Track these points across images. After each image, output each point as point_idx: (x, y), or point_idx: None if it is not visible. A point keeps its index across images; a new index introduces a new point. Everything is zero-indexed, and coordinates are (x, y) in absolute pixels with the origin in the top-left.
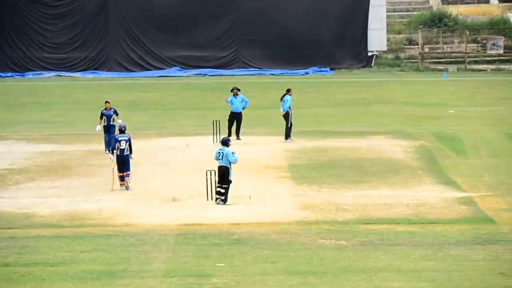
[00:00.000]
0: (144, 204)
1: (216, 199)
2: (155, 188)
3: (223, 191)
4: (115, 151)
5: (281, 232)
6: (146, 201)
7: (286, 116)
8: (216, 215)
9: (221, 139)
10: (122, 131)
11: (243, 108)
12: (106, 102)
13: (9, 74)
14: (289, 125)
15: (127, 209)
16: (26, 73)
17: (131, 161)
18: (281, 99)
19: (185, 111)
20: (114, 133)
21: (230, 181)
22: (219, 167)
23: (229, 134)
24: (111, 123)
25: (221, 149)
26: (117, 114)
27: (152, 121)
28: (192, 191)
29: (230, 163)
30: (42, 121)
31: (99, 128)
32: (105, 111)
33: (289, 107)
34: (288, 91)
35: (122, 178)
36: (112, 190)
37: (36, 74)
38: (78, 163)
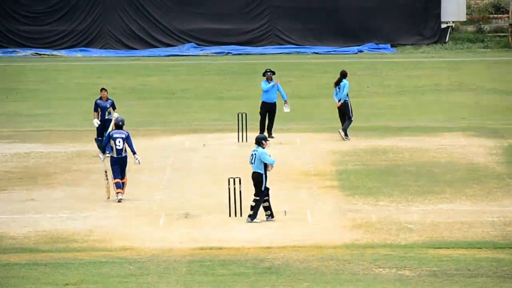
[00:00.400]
0: (147, 222)
1: (267, 216)
2: (162, 201)
3: (266, 204)
4: (107, 152)
5: (326, 258)
6: (151, 218)
7: (345, 106)
8: (241, 236)
9: (256, 137)
10: (119, 127)
11: (285, 102)
12: (102, 89)
13: None
14: (351, 118)
15: (126, 229)
16: None
17: (136, 164)
18: (336, 85)
19: (201, 101)
20: (107, 131)
21: (264, 192)
22: (252, 174)
23: (262, 131)
24: (106, 116)
25: (254, 150)
26: (114, 108)
27: (159, 113)
28: (211, 205)
29: (264, 169)
30: (16, 114)
31: (98, 122)
32: (100, 101)
33: (347, 95)
34: (345, 75)
35: (120, 186)
36: (108, 199)
37: (8, 52)
38: (62, 169)
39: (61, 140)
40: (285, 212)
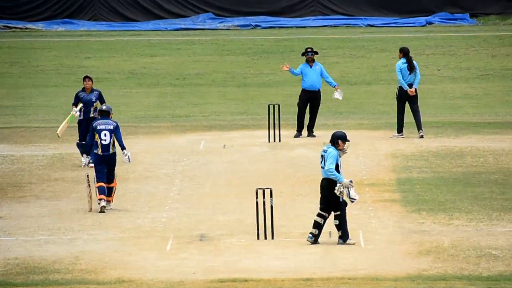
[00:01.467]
0: (151, 246)
1: (310, 235)
2: (170, 219)
3: (320, 221)
4: (89, 159)
5: None
6: (155, 241)
7: (416, 95)
8: (273, 264)
9: (332, 134)
10: (104, 115)
11: (335, 87)
12: (86, 78)
13: None
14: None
15: (122, 255)
16: None
17: (126, 163)
18: (409, 65)
19: (221, 89)
20: None
21: (343, 205)
22: (321, 181)
23: (300, 128)
24: (91, 114)
25: (324, 151)
26: (102, 102)
27: (165, 105)
28: (233, 225)
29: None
30: None
31: (77, 111)
32: (83, 93)
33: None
34: (407, 52)
35: (104, 191)
36: (90, 211)
37: None
38: (39, 177)
39: (38, 140)
40: (330, 233)
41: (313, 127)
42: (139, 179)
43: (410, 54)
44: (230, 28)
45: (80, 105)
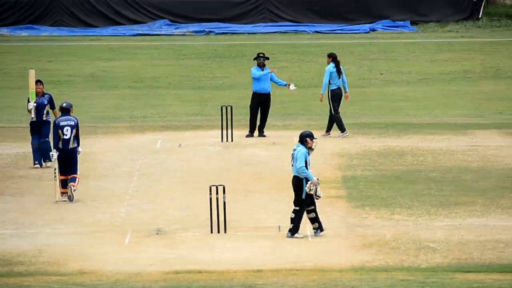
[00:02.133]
0: (110, 239)
1: (315, 230)
2: (128, 215)
3: (312, 216)
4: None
5: (329, 284)
6: (114, 235)
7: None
8: (225, 256)
9: (300, 133)
10: (65, 111)
11: (289, 85)
12: (37, 82)
13: None
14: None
15: (83, 248)
16: None
17: (79, 157)
18: (337, 70)
19: (177, 91)
20: (47, 135)
21: (307, 201)
22: (292, 179)
23: (252, 129)
24: (44, 117)
25: (294, 149)
26: (53, 107)
27: (124, 106)
28: (188, 219)
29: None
30: None
31: (34, 105)
32: (37, 97)
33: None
34: (335, 57)
35: (65, 184)
36: (56, 201)
37: None
38: (3, 174)
39: (2, 139)
40: (279, 227)
41: (263, 128)
42: (99, 177)
43: (338, 59)
44: (185, 34)
45: (33, 104)
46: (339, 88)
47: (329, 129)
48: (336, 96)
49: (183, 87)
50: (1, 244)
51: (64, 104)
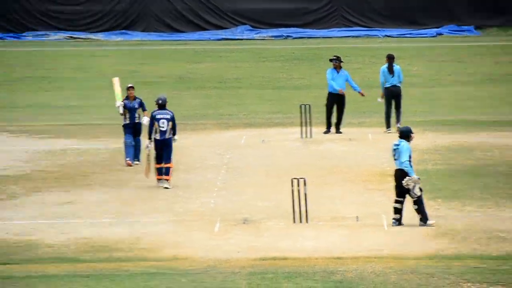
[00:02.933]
0: (201, 228)
1: (394, 220)
2: (217, 205)
3: (399, 206)
4: (152, 136)
5: (406, 271)
6: (204, 223)
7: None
8: (307, 244)
9: (400, 130)
10: (162, 106)
11: (360, 93)
12: (129, 88)
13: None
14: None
15: (177, 236)
16: (24, 34)
17: (174, 146)
18: (389, 69)
19: (258, 91)
20: (139, 135)
21: (416, 194)
22: (395, 171)
23: (329, 126)
24: (136, 120)
25: (396, 145)
26: (144, 109)
27: (210, 105)
28: (272, 210)
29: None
30: (49, 105)
31: (121, 107)
32: (127, 101)
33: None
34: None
35: (160, 171)
36: (147, 177)
37: (39, 35)
38: (103, 168)
39: (100, 135)
40: (357, 217)
41: (340, 125)
42: (189, 170)
43: (393, 59)
44: (265, 38)
45: (121, 102)
46: (393, 86)
47: (389, 125)
48: (387, 94)
49: (263, 87)
50: (102, 231)
51: (160, 101)
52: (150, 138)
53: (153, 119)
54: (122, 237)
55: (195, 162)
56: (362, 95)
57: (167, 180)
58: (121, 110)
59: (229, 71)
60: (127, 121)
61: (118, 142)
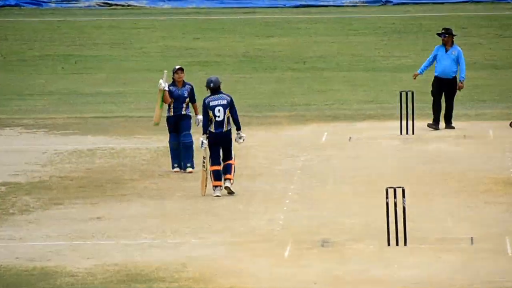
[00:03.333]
0: (266, 252)
1: None
2: (288, 222)
3: None
4: (209, 130)
5: None
6: (271, 246)
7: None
8: (406, 274)
9: None
10: (215, 90)
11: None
12: (179, 70)
13: (16, 1)
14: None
15: (234, 262)
16: (45, 0)
17: (239, 143)
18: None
19: (346, 74)
20: (188, 128)
21: None
22: None
23: (436, 119)
24: (183, 111)
25: None
26: (193, 100)
27: (283, 92)
28: (360, 228)
29: None
30: (75, 92)
31: (164, 83)
32: (174, 88)
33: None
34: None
35: (218, 175)
36: (203, 195)
37: (64, 2)
38: (142, 174)
39: (140, 131)
40: (471, 239)
41: (451, 118)
42: (253, 176)
43: None
44: (357, 4)
45: (163, 82)
46: None
47: None
48: None
49: (353, 68)
50: (138, 255)
51: (212, 84)
52: (205, 133)
53: (207, 108)
54: (164, 262)
55: (261, 166)
56: (459, 88)
57: (229, 179)
58: (163, 83)
59: (309, 48)
60: (171, 113)
61: (162, 140)
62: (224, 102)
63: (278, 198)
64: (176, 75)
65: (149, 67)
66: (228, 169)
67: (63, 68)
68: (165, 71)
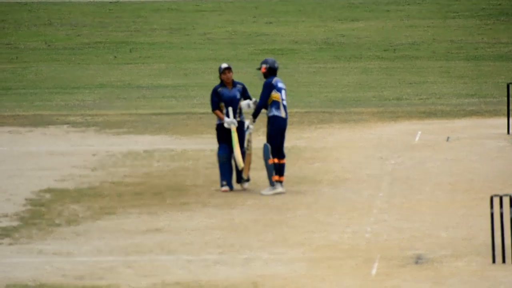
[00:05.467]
0: (350, 269)
1: None
2: (376, 236)
3: None
4: (272, 113)
5: None
6: (356, 263)
7: None
8: None
9: None
10: (275, 71)
11: None
12: (225, 70)
13: None
14: None
15: (314, 281)
16: None
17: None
18: None
19: (443, 63)
20: (242, 141)
21: None
22: None
23: None
24: (237, 117)
25: None
26: (250, 99)
27: (370, 84)
28: (460, 242)
29: None
30: (129, 85)
31: (232, 120)
32: (224, 89)
33: None
34: None
35: (282, 169)
36: (246, 180)
37: None
38: (207, 179)
39: (204, 129)
40: None
41: None
42: (334, 182)
43: None
44: None
45: (232, 120)
46: None
47: None
48: None
49: (452, 57)
50: (203, 274)
51: (276, 64)
52: (255, 117)
53: (272, 89)
54: (233, 281)
55: (344, 171)
56: None
57: (281, 182)
58: (230, 126)
59: (400, 34)
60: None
61: None
62: (285, 86)
63: (364, 207)
64: (223, 76)
65: (215, 56)
66: (282, 170)
67: (115, 57)
68: (230, 108)
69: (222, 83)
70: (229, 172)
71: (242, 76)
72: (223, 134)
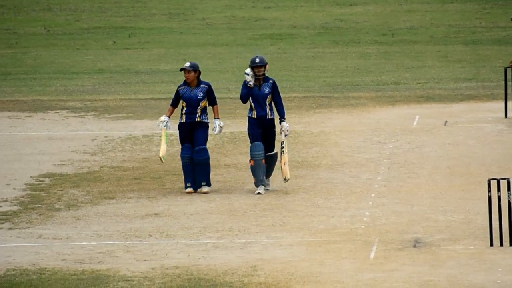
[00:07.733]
0: (349, 253)
1: None
2: (374, 218)
3: None
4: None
5: None
6: (354, 247)
7: None
8: (511, 279)
9: None
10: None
11: None
12: (183, 70)
13: None
14: None
15: (313, 265)
16: None
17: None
18: None
19: (441, 47)
20: (203, 143)
21: None
22: None
23: None
24: (197, 118)
25: None
26: (213, 102)
27: (368, 69)
28: (457, 226)
29: None
30: (128, 70)
31: (165, 123)
32: (184, 88)
33: None
34: None
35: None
36: (285, 180)
37: None
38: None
39: None
40: None
41: None
42: (333, 166)
43: None
44: None
45: (165, 118)
46: None
47: None
48: None
49: (450, 41)
50: (202, 258)
51: (259, 60)
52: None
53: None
54: (231, 266)
55: (343, 154)
56: None
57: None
58: (161, 126)
59: (398, 18)
60: (183, 119)
61: (229, 125)
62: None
63: (362, 191)
64: (186, 74)
65: (214, 41)
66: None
67: (114, 42)
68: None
69: (185, 82)
70: (192, 174)
71: (241, 62)
72: (183, 135)
